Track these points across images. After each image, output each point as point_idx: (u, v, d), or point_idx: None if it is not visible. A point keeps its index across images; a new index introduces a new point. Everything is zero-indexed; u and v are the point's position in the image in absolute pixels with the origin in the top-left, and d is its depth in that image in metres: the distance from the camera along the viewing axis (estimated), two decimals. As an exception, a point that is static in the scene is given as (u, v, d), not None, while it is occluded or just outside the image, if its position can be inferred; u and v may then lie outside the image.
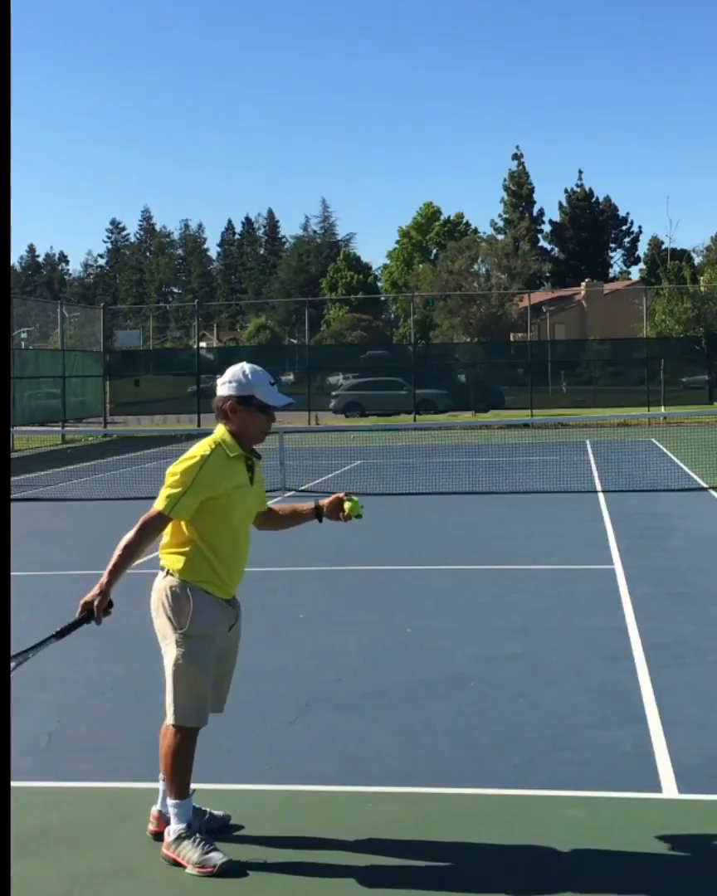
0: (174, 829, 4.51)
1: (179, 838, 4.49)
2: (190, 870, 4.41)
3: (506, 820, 4.87)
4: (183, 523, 4.52)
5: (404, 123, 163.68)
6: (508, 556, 11.54)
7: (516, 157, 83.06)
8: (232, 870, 4.36)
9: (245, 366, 4.59)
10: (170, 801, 4.56)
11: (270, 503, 4.95)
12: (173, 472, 4.49)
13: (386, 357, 45.30)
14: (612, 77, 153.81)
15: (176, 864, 4.48)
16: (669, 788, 5.21)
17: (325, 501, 4.84)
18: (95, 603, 4.44)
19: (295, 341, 70.81)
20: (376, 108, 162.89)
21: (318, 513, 4.84)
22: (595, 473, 19.28)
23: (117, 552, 4.45)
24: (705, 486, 16.96)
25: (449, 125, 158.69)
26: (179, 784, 4.53)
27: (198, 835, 4.47)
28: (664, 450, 23.32)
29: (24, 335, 46.22)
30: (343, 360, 46.90)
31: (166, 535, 4.60)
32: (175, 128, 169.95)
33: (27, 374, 31.52)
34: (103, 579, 4.44)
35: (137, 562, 4.54)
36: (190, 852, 4.43)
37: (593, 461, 21.55)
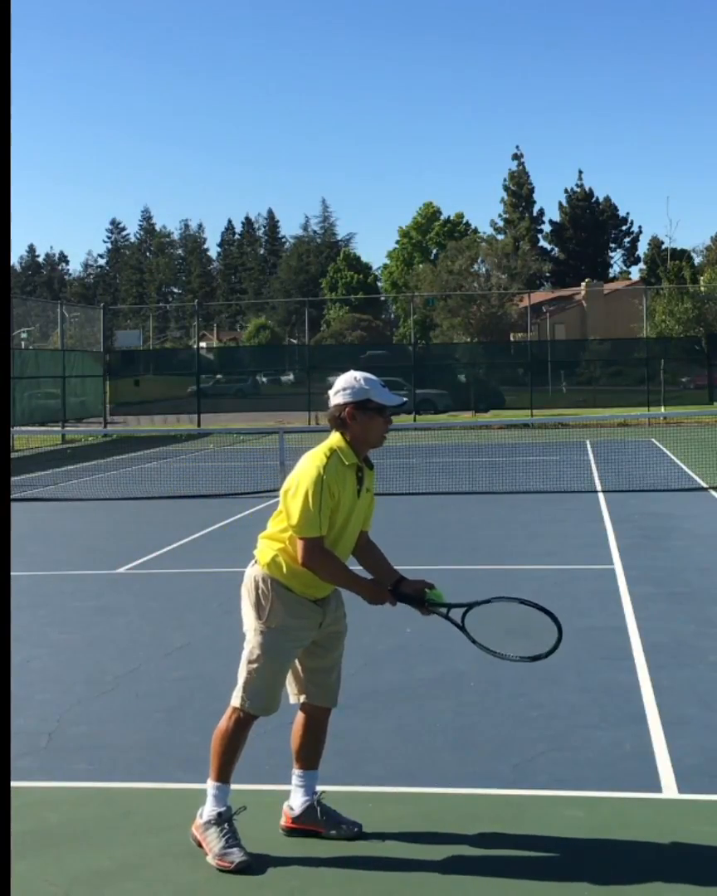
0: (208, 811, 4.58)
1: (209, 823, 4.54)
2: (209, 859, 4.46)
3: (506, 820, 4.87)
4: (285, 521, 4.54)
5: (404, 123, 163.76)
6: (508, 556, 11.54)
7: (516, 157, 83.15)
8: (249, 870, 4.39)
9: (356, 373, 4.62)
10: (209, 783, 4.61)
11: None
12: (296, 490, 4.47)
13: (386, 357, 45.24)
14: (612, 77, 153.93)
15: (200, 845, 4.53)
16: (669, 788, 5.21)
17: (409, 581, 4.74)
18: (387, 602, 4.66)
19: (295, 341, 70.77)
20: (376, 108, 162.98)
21: (396, 585, 4.72)
22: (595, 473, 19.28)
23: (340, 585, 4.61)
24: (705, 486, 16.96)
25: (449, 125, 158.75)
26: (221, 766, 4.58)
27: (227, 825, 4.52)
28: (664, 450, 23.32)
29: (24, 335, 46.21)
30: (343, 360, 46.56)
31: (270, 523, 4.63)
32: (175, 128, 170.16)
33: (27, 374, 31.50)
34: (359, 592, 4.60)
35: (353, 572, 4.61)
36: (214, 842, 4.49)
37: (593, 461, 21.55)
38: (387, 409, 4.59)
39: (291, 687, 4.73)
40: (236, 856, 4.42)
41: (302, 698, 4.73)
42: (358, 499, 4.60)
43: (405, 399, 4.67)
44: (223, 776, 4.59)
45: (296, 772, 4.79)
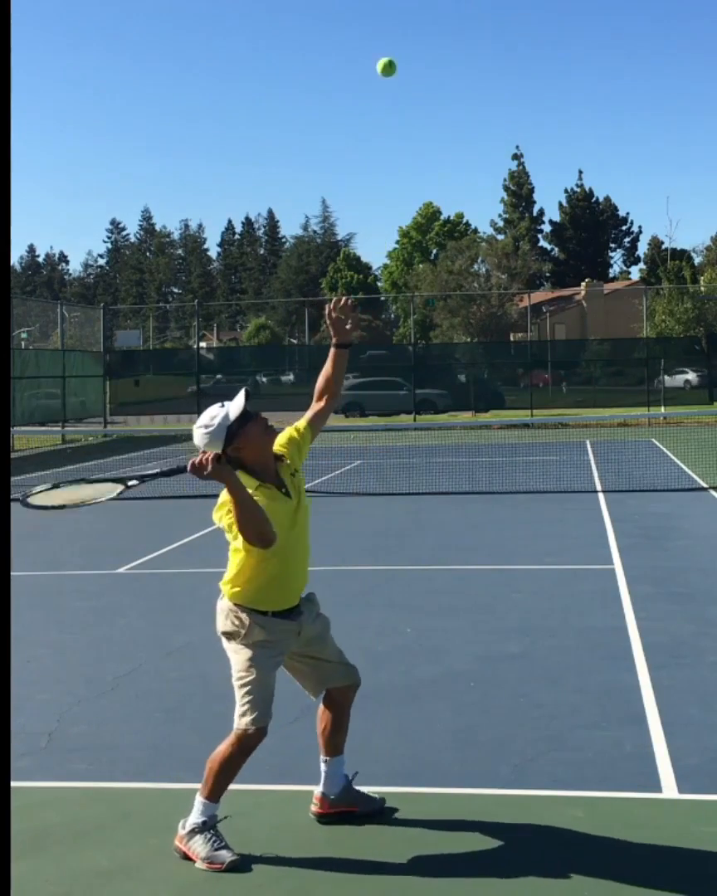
0: (191, 821, 4.57)
1: (193, 832, 4.54)
2: (199, 864, 4.47)
3: (506, 820, 4.87)
4: (233, 550, 4.60)
5: (404, 123, 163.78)
6: (508, 556, 11.54)
7: (516, 157, 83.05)
8: (239, 868, 4.41)
9: (199, 421, 4.57)
10: (198, 798, 4.61)
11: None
12: (221, 504, 4.52)
13: (386, 357, 45.23)
14: (612, 77, 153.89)
15: (186, 857, 4.53)
16: (669, 788, 5.21)
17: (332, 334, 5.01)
18: (206, 464, 4.34)
19: (295, 341, 70.78)
20: (376, 107, 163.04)
21: (338, 344, 5.06)
22: (595, 473, 19.27)
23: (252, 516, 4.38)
24: (705, 486, 16.96)
25: (449, 125, 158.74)
26: (216, 787, 4.58)
27: (211, 831, 4.53)
28: (664, 450, 23.32)
29: (24, 335, 46.25)
30: (343, 360, 46.73)
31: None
32: (175, 127, 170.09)
33: (27, 374, 31.47)
34: (228, 482, 4.35)
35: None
36: (200, 847, 4.49)
37: (593, 461, 21.54)
38: (250, 414, 4.55)
39: (306, 685, 4.86)
40: (226, 856, 4.44)
41: (322, 692, 4.86)
42: (289, 499, 4.60)
43: (245, 388, 4.68)
44: (216, 797, 4.60)
45: (325, 759, 4.89)
